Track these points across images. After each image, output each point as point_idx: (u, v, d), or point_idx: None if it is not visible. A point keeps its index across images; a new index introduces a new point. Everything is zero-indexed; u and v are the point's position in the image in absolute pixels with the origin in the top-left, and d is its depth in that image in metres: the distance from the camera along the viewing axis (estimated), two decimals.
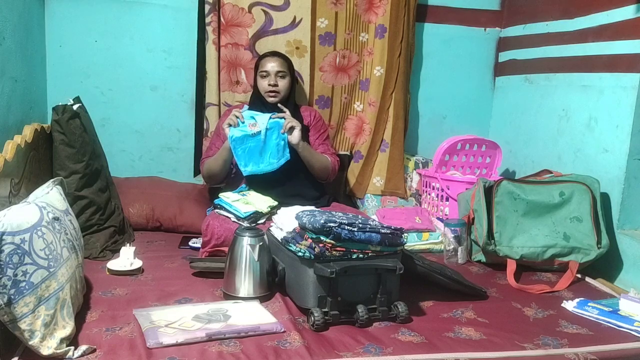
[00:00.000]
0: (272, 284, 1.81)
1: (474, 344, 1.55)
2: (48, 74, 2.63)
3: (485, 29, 3.02)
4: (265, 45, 2.64)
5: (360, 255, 1.67)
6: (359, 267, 1.64)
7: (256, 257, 1.76)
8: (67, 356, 1.34)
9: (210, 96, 2.67)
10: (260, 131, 2.25)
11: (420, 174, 2.81)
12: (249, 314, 1.61)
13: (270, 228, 1.93)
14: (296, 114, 2.43)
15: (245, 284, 1.76)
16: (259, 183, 2.32)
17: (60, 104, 2.20)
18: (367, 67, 2.83)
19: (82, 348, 1.36)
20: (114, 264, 1.95)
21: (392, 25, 2.74)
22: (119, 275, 1.92)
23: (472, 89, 3.07)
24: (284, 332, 1.54)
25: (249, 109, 2.37)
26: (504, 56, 3.00)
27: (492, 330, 1.63)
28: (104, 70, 2.69)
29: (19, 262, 1.30)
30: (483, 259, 2.26)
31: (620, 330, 1.67)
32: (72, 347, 1.36)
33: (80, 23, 2.63)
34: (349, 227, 1.63)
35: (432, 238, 2.43)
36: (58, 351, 1.33)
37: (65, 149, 2.16)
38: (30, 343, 1.30)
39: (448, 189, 2.59)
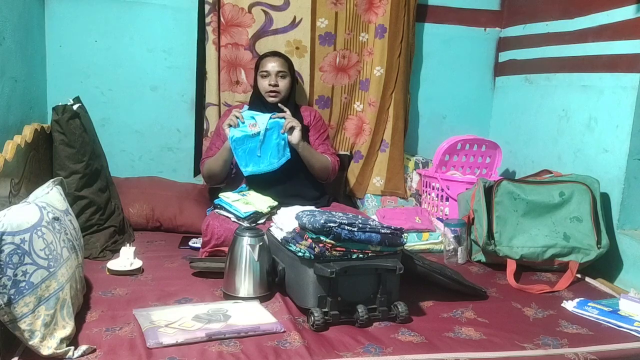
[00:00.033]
0: (272, 284, 1.81)
1: (474, 344, 1.55)
2: (48, 74, 2.63)
3: (485, 29, 3.02)
4: (265, 45, 2.64)
5: (360, 255, 1.67)
6: (359, 267, 1.64)
7: (256, 257, 1.76)
8: (67, 356, 1.34)
9: (210, 96, 2.67)
10: (260, 131, 2.25)
11: (420, 174, 2.81)
12: (249, 314, 1.61)
13: (270, 228, 1.93)
14: (296, 114, 2.43)
15: (245, 284, 1.76)
16: (259, 183, 2.32)
17: (60, 104, 2.20)
18: (367, 67, 2.83)
19: (82, 348, 1.36)
20: (114, 264, 1.95)
21: (392, 25, 2.74)
22: (119, 275, 1.92)
23: (472, 89, 3.07)
24: (284, 332, 1.54)
25: (249, 109, 2.37)
26: (504, 56, 3.00)
27: (492, 330, 1.63)
28: (104, 70, 2.69)
29: (19, 262, 1.30)
30: (483, 259, 2.26)
31: (620, 330, 1.67)
32: (72, 347, 1.36)
33: (80, 23, 2.63)
34: (349, 227, 1.63)
35: (432, 238, 2.43)
36: (58, 351, 1.33)
37: (65, 149, 2.16)
38: (30, 343, 1.30)
39: (448, 189, 2.59)
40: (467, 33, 3.00)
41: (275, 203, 2.23)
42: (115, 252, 2.10)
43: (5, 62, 2.02)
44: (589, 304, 1.80)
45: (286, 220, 1.82)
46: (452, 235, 2.25)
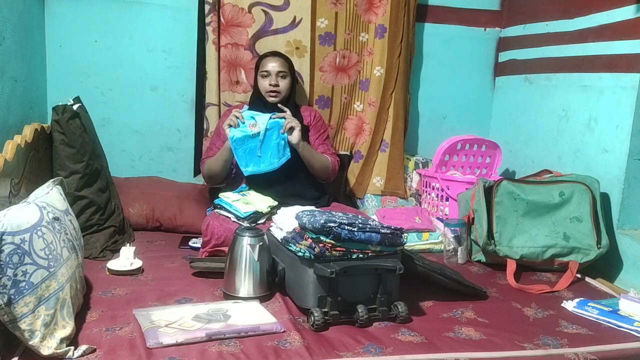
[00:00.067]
0: (272, 284, 1.81)
1: (474, 344, 1.55)
2: (48, 74, 2.63)
3: (485, 29, 3.02)
4: (265, 45, 2.64)
5: (360, 255, 1.67)
6: (359, 267, 1.64)
7: (256, 257, 1.76)
8: (67, 356, 1.34)
9: (210, 96, 2.67)
10: (260, 131, 2.25)
11: (420, 174, 2.81)
12: (249, 314, 1.61)
13: (270, 228, 1.93)
14: (296, 114, 2.43)
15: (245, 284, 1.76)
16: (259, 183, 2.32)
17: (60, 104, 2.20)
18: (367, 67, 2.83)
19: (82, 348, 1.36)
20: (114, 264, 1.95)
21: (392, 25, 2.74)
22: (119, 275, 1.92)
23: (472, 89, 3.07)
24: (284, 332, 1.54)
25: (249, 108, 2.37)
26: (504, 56, 3.00)
27: (492, 330, 1.63)
28: (104, 70, 2.69)
29: (19, 262, 1.30)
30: (483, 259, 2.26)
31: (620, 330, 1.67)
32: (72, 347, 1.36)
33: (80, 23, 2.63)
34: (349, 227, 1.63)
35: (432, 238, 2.43)
36: (58, 351, 1.33)
37: (65, 149, 2.16)
38: (30, 343, 1.30)
39: (448, 189, 2.59)
40: (467, 33, 3.00)
41: (275, 203, 2.23)
42: (115, 252, 2.10)
43: (5, 62, 2.02)
44: (589, 304, 1.80)
45: (286, 220, 1.82)
46: (452, 235, 2.25)
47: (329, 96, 2.79)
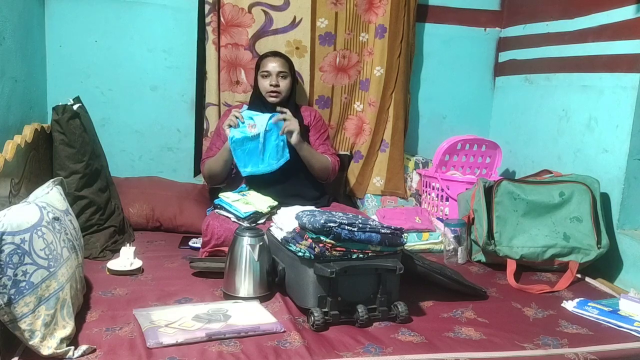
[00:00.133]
0: (272, 284, 1.81)
1: (474, 344, 1.55)
2: (48, 74, 2.63)
3: (485, 29, 3.02)
4: (265, 45, 2.64)
5: (360, 255, 1.67)
6: (359, 267, 1.64)
7: (256, 257, 1.76)
8: (67, 356, 1.34)
9: (210, 96, 2.67)
10: (259, 133, 2.25)
11: (420, 174, 2.81)
12: (249, 314, 1.61)
13: (270, 228, 1.93)
14: (296, 114, 2.43)
15: (245, 284, 1.76)
16: (259, 183, 2.32)
17: (60, 104, 2.20)
18: (367, 67, 2.83)
19: (82, 348, 1.36)
20: (114, 264, 1.95)
21: (392, 25, 2.74)
22: (119, 275, 1.92)
23: (472, 89, 3.07)
24: (284, 332, 1.54)
25: (249, 108, 2.37)
26: (504, 56, 3.00)
27: (492, 330, 1.63)
28: (104, 70, 2.69)
29: (19, 262, 1.30)
30: (483, 259, 2.26)
31: (620, 330, 1.67)
32: (72, 347, 1.36)
33: (80, 23, 2.63)
34: (349, 227, 1.63)
35: (432, 238, 2.43)
36: (58, 351, 1.33)
37: (65, 149, 2.16)
38: (30, 343, 1.30)
39: (448, 189, 2.59)
40: (467, 33, 3.00)
41: (275, 203, 2.23)
42: (115, 252, 2.10)
43: (5, 62, 2.02)
44: (589, 304, 1.80)
45: (286, 220, 1.82)
46: (452, 235, 2.25)
47: (329, 96, 2.79)
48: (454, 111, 3.07)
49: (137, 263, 1.97)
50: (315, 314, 1.58)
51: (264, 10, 2.63)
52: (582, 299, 1.86)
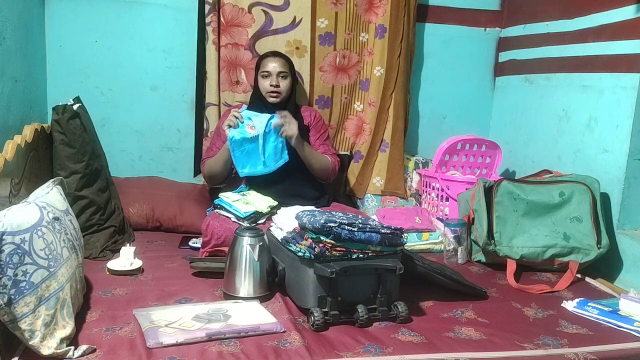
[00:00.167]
0: (272, 284, 1.81)
1: (474, 344, 1.55)
2: (48, 74, 2.63)
3: (485, 29, 3.02)
4: (265, 45, 2.64)
5: (360, 255, 1.67)
6: (359, 267, 1.64)
7: (256, 257, 1.76)
8: (67, 356, 1.34)
9: (210, 96, 2.67)
10: (259, 134, 2.25)
11: (420, 174, 2.81)
12: (249, 314, 1.61)
13: (270, 228, 1.93)
14: (296, 114, 2.43)
15: (245, 284, 1.76)
16: (259, 183, 2.32)
17: (60, 104, 2.20)
18: (367, 67, 2.83)
19: (82, 348, 1.36)
20: (114, 264, 1.95)
21: (392, 25, 2.74)
22: (119, 275, 1.92)
23: (472, 89, 3.07)
24: (284, 332, 1.54)
25: (248, 108, 2.36)
26: (504, 56, 3.00)
27: (492, 330, 1.63)
28: (104, 70, 2.69)
29: (19, 262, 1.30)
30: (483, 259, 2.26)
31: (620, 330, 1.67)
32: (72, 347, 1.36)
33: (80, 23, 2.63)
34: (349, 227, 1.63)
35: (432, 238, 2.43)
36: (58, 351, 1.33)
37: (65, 149, 2.16)
38: (30, 343, 1.30)
39: (448, 189, 2.59)
40: (467, 33, 3.00)
41: (275, 203, 2.23)
42: (115, 252, 2.10)
43: (5, 62, 2.02)
44: (589, 304, 1.80)
45: (286, 220, 1.82)
46: (452, 235, 2.25)
47: (329, 96, 2.79)
48: (454, 111, 3.07)
49: (137, 263, 1.97)
50: (315, 314, 1.58)
51: (264, 10, 2.63)
52: (582, 299, 1.86)
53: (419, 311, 1.74)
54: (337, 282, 1.62)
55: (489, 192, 2.24)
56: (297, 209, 1.86)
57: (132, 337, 1.46)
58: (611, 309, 1.75)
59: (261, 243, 1.78)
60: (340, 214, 1.75)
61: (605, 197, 2.21)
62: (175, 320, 1.53)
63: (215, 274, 1.91)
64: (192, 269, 1.96)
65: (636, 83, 2.07)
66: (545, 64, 2.63)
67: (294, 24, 2.67)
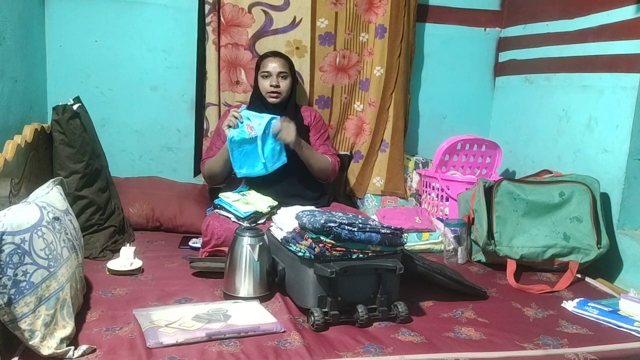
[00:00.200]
0: (272, 284, 1.81)
1: (474, 344, 1.55)
2: (48, 74, 2.63)
3: (485, 29, 3.02)
4: (265, 45, 2.64)
5: (360, 255, 1.67)
6: (359, 267, 1.64)
7: (256, 257, 1.76)
8: (67, 356, 1.34)
9: (210, 96, 2.67)
10: (257, 135, 2.24)
11: (420, 174, 2.81)
12: (249, 314, 1.61)
13: (270, 228, 1.93)
14: (296, 115, 2.43)
15: (245, 284, 1.76)
16: (259, 183, 2.32)
17: (60, 104, 2.20)
18: (367, 67, 2.83)
19: (82, 348, 1.36)
20: (114, 264, 1.95)
21: (392, 25, 2.74)
22: (119, 275, 1.92)
23: (472, 89, 3.07)
24: (284, 332, 1.54)
25: (248, 108, 2.36)
26: (504, 56, 3.00)
27: (492, 330, 1.63)
28: (104, 70, 2.69)
29: (19, 262, 1.30)
30: (483, 259, 2.26)
31: (620, 330, 1.67)
32: (72, 347, 1.36)
33: (80, 23, 2.63)
34: (349, 227, 1.63)
35: (432, 238, 2.43)
36: (58, 351, 1.33)
37: (65, 149, 2.16)
38: (30, 343, 1.30)
39: (448, 189, 2.59)
40: (467, 33, 3.00)
41: (275, 203, 2.23)
42: (115, 252, 2.10)
43: (5, 62, 2.02)
44: (589, 304, 1.80)
45: (286, 220, 1.82)
46: (452, 235, 2.25)
47: (329, 96, 2.79)
48: (454, 111, 3.07)
49: (137, 263, 1.97)
50: (315, 314, 1.58)
51: (264, 10, 2.63)
52: (582, 299, 1.86)
53: (419, 311, 1.74)
54: (337, 282, 1.62)
55: (489, 192, 2.24)
56: (297, 209, 1.86)
57: (132, 337, 1.46)
58: (611, 309, 1.75)
59: (261, 243, 1.78)
60: (340, 214, 1.75)
61: (605, 197, 2.21)
62: (175, 320, 1.53)
63: (215, 274, 1.91)
64: (192, 269, 1.96)
65: (636, 83, 2.07)
66: (545, 64, 2.63)
67: (294, 24, 2.67)
